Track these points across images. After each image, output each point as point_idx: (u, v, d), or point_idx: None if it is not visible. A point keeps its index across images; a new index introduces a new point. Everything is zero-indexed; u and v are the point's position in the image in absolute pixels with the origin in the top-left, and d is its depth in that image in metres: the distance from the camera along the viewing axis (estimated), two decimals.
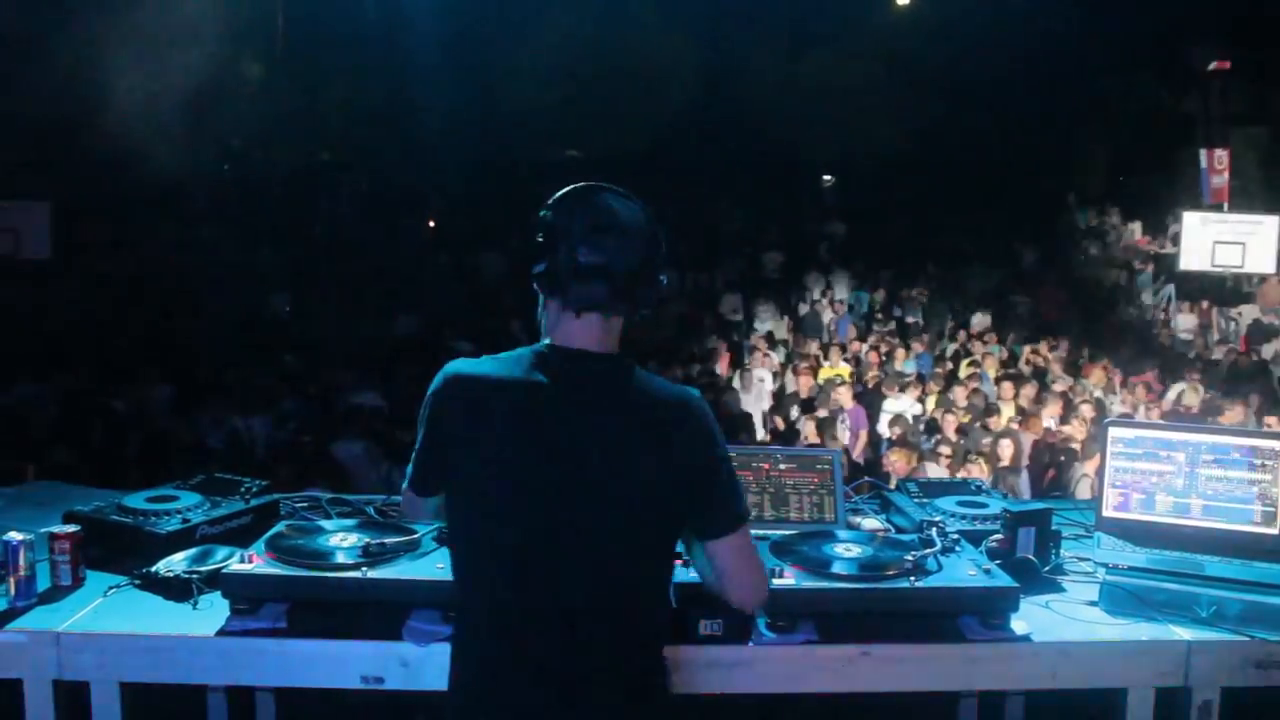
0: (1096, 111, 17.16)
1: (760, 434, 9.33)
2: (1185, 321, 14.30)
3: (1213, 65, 14.24)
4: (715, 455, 1.85)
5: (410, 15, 14.79)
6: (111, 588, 2.47)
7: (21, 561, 2.36)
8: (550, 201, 1.87)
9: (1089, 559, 2.74)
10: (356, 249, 16.91)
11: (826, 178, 21.67)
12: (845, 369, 11.75)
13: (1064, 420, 8.80)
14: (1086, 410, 8.76)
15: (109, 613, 2.36)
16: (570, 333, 1.85)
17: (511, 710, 1.81)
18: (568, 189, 1.87)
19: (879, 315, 15.51)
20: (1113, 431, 2.91)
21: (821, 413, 9.26)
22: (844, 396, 9.80)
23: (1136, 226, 17.10)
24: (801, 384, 10.91)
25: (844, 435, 9.00)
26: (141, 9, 13.83)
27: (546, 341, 1.87)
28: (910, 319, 15.40)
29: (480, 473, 1.81)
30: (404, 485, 1.99)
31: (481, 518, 1.83)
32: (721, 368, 12.27)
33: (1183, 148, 15.13)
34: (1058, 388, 10.00)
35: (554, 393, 1.80)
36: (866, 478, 3.34)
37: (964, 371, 11.59)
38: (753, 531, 2.66)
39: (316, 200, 18.22)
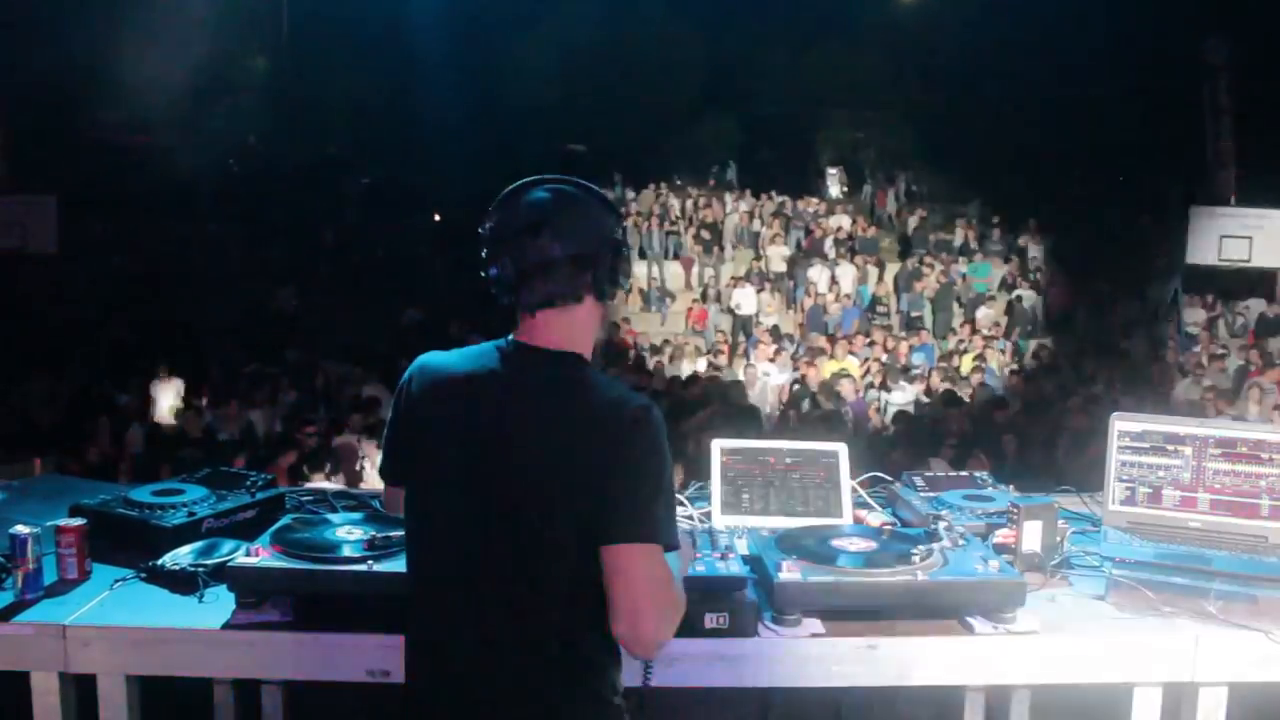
0: (1102, 103, 17.10)
1: (766, 428, 9.33)
2: (1191, 315, 14.26)
3: (1221, 58, 14.18)
4: (630, 465, 1.74)
5: (415, 11, 14.78)
6: (118, 581, 2.47)
7: (28, 555, 2.36)
8: (490, 209, 1.87)
9: (1096, 553, 2.73)
10: (362, 244, 16.93)
11: (831, 170, 21.64)
12: (851, 362, 11.75)
13: None
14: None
15: (115, 606, 2.36)
16: (528, 330, 1.86)
17: (451, 696, 1.83)
18: (502, 193, 1.87)
19: (883, 308, 15.51)
20: (1119, 425, 2.90)
21: (827, 406, 9.26)
22: (847, 390, 9.80)
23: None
24: (809, 377, 10.90)
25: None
26: (149, 6, 13.86)
27: (510, 337, 1.89)
28: (915, 312, 15.39)
29: (425, 459, 1.85)
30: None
31: (420, 501, 1.87)
32: (727, 361, 12.26)
33: (1190, 141, 15.08)
34: None
35: (501, 383, 1.82)
36: (872, 472, 3.32)
37: (967, 366, 11.58)
38: (762, 524, 2.67)
39: (322, 196, 18.23)
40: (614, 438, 1.74)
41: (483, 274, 1.87)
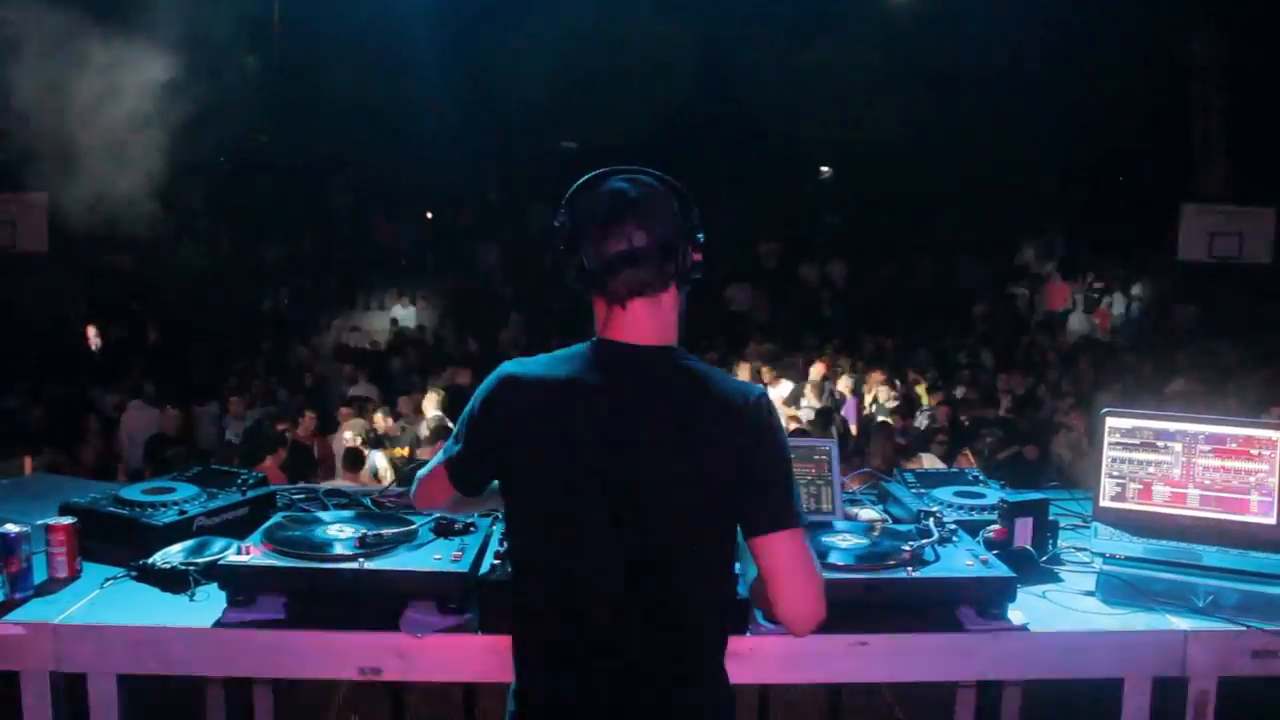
0: (1095, 102, 17.13)
1: None
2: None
3: (1211, 54, 14.23)
4: (767, 454, 1.79)
5: (407, 8, 14.75)
6: (108, 579, 2.46)
7: (18, 553, 2.35)
8: (563, 203, 1.86)
9: (1086, 549, 2.74)
10: (354, 242, 16.90)
11: (824, 169, 21.64)
12: (843, 360, 11.76)
13: None
14: None
15: (106, 605, 2.35)
16: (620, 325, 1.84)
17: (573, 702, 1.83)
18: (575, 185, 1.86)
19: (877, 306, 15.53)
20: (1110, 421, 2.91)
21: (819, 404, 9.27)
22: (844, 385, 9.82)
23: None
24: (802, 373, 10.91)
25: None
26: (141, 3, 13.78)
27: (595, 338, 1.87)
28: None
29: (534, 476, 1.81)
30: (423, 474, 2.01)
31: (538, 519, 1.83)
32: (715, 359, 12.26)
33: (1181, 139, 15.12)
34: None
35: (604, 391, 1.79)
36: (864, 468, 3.33)
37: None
38: None
39: (313, 193, 18.19)
40: (748, 429, 1.78)
41: (564, 270, 1.85)
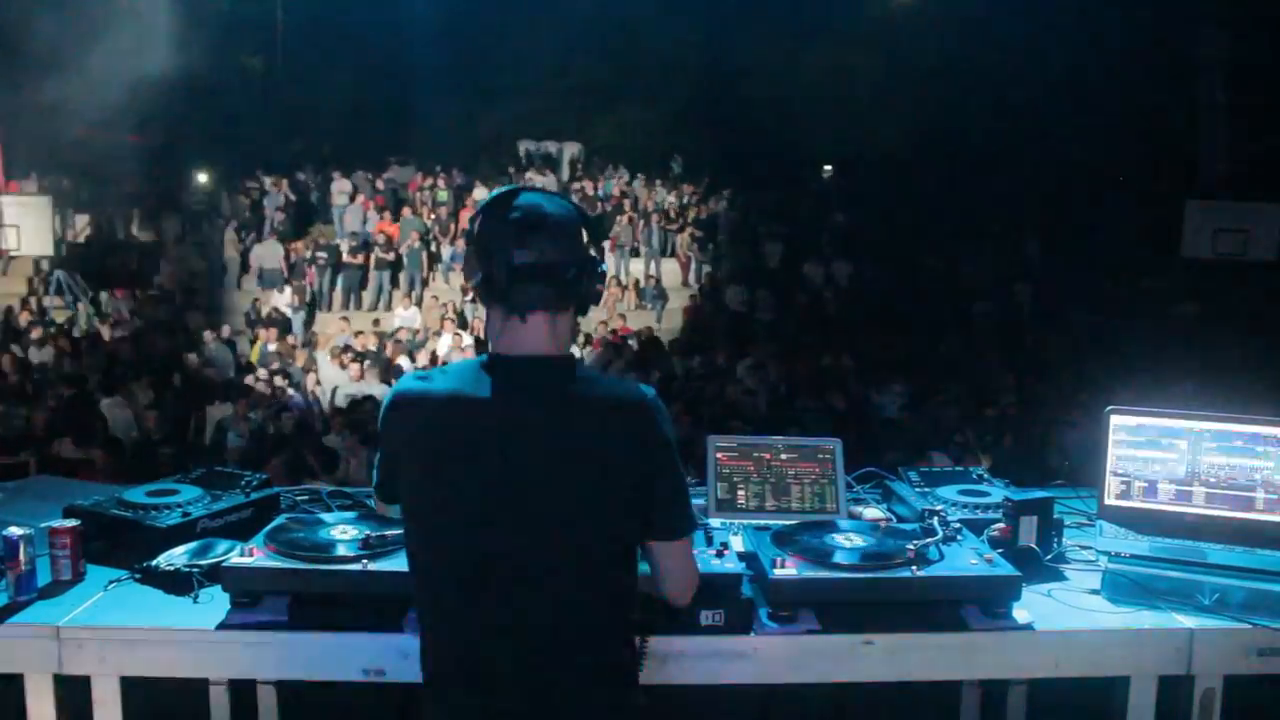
0: (1096, 100, 17.12)
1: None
2: None
3: (1215, 51, 14.20)
4: (662, 459, 1.82)
5: (410, 7, 14.77)
6: (112, 582, 2.46)
7: (22, 556, 2.35)
8: (477, 210, 1.86)
9: (1091, 547, 2.73)
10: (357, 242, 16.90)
11: (827, 168, 21.62)
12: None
13: None
14: None
15: (109, 607, 2.35)
16: (516, 338, 1.82)
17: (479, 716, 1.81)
18: (491, 195, 1.86)
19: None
20: (1115, 419, 2.90)
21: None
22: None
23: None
24: (801, 370, 10.92)
25: None
26: (144, 6, 13.82)
27: (489, 352, 1.86)
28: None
29: (428, 492, 1.80)
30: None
31: (433, 537, 1.81)
32: (722, 357, 12.26)
33: (1184, 136, 15.09)
34: None
35: (498, 405, 1.78)
36: (869, 467, 3.32)
37: None
38: (756, 521, 2.69)
39: (314, 194, 18.22)
40: (644, 436, 1.80)
41: (467, 276, 1.87)
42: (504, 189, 1.86)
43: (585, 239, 1.86)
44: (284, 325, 13.98)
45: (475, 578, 1.78)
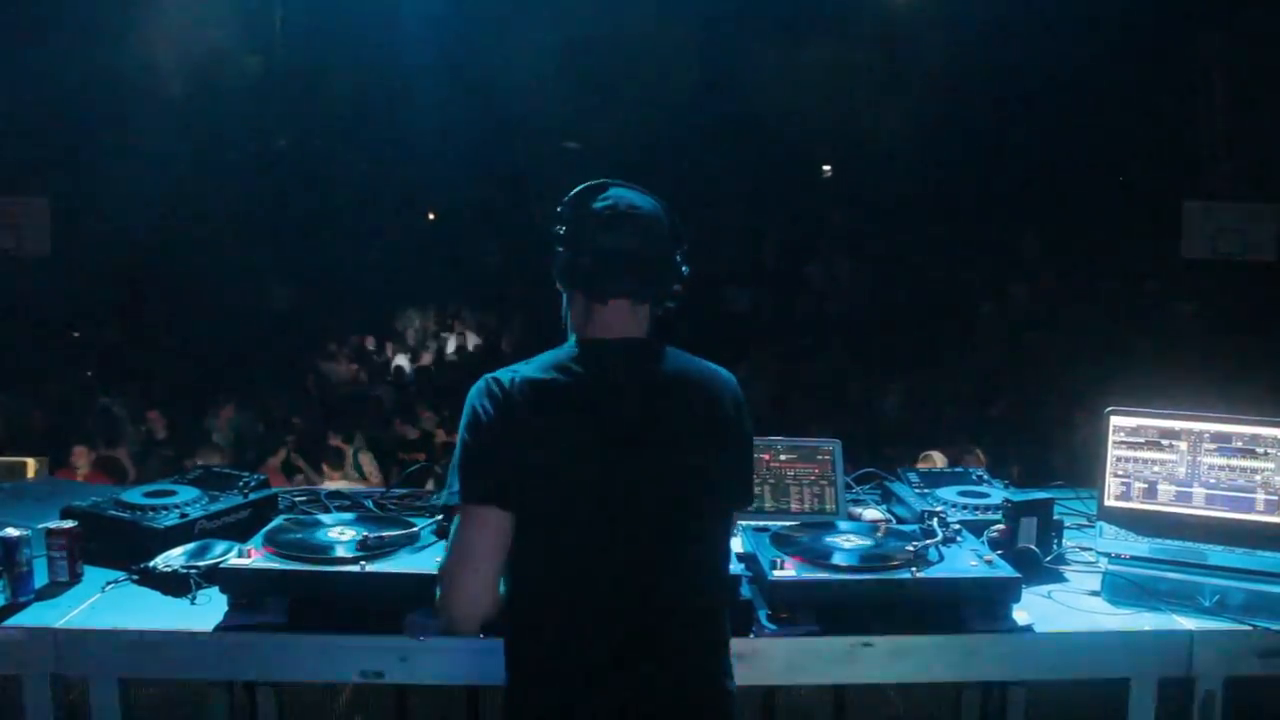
0: (1096, 100, 17.12)
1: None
2: None
3: (1215, 51, 14.21)
4: (750, 431, 1.94)
5: (408, 10, 14.76)
6: (109, 583, 2.46)
7: (19, 557, 2.35)
8: (566, 199, 1.90)
9: (1091, 549, 2.73)
10: (356, 243, 16.90)
11: (826, 168, 21.61)
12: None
13: None
14: None
15: (107, 608, 2.34)
16: (600, 323, 1.87)
17: (590, 705, 1.80)
18: (580, 186, 1.90)
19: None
20: (1114, 420, 2.90)
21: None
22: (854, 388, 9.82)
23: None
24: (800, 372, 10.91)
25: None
26: (141, 4, 13.81)
27: (574, 340, 1.89)
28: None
29: (537, 482, 1.77)
30: (454, 560, 1.79)
31: (547, 526, 1.79)
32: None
33: (1185, 135, 15.09)
34: None
35: (597, 387, 1.82)
36: (868, 468, 3.32)
37: None
38: (755, 522, 2.71)
39: (315, 194, 18.20)
40: (738, 408, 1.90)
41: (555, 263, 1.89)
42: (593, 182, 1.90)
43: (671, 236, 1.90)
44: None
45: (597, 564, 1.79)
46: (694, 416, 1.85)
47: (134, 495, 2.80)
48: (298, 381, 10.89)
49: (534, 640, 1.84)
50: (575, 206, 1.89)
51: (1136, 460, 2.86)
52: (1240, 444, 2.78)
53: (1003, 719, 3.20)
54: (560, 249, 1.89)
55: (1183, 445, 2.82)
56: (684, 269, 1.93)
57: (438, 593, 1.83)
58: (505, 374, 1.83)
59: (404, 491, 3.21)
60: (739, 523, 2.74)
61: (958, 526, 2.51)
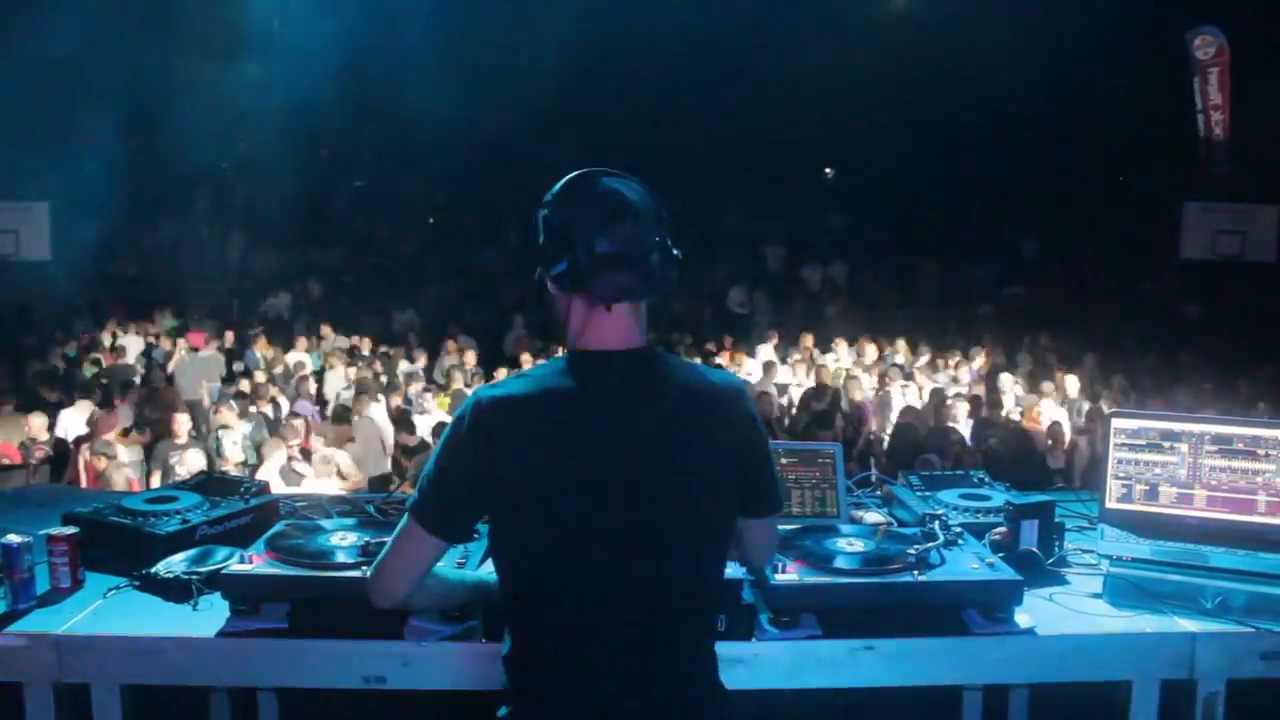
0: (1095, 102, 17.12)
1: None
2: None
3: (1212, 53, 14.21)
4: (762, 439, 1.89)
5: (408, 12, 14.77)
6: (111, 589, 2.46)
7: (20, 564, 2.35)
8: (551, 197, 1.78)
9: (1092, 551, 2.73)
10: (356, 246, 16.92)
11: (827, 170, 21.62)
12: (848, 361, 11.74)
13: None
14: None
15: (109, 615, 2.35)
16: (602, 330, 1.78)
17: (588, 713, 1.79)
18: (566, 180, 1.79)
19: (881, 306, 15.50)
20: (1115, 422, 2.89)
21: (819, 405, 9.26)
22: (854, 389, 9.81)
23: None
24: (802, 377, 10.91)
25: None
26: (141, 9, 13.82)
27: (575, 349, 1.80)
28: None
29: (537, 494, 1.73)
30: (385, 557, 1.85)
31: (545, 537, 1.74)
32: (724, 360, 12.25)
33: (1182, 137, 15.09)
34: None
35: (599, 398, 1.75)
36: (868, 471, 3.32)
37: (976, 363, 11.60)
38: None
39: (315, 198, 18.20)
40: (744, 420, 1.85)
41: (548, 264, 1.77)
42: (579, 173, 1.80)
43: (661, 223, 1.81)
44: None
45: (589, 575, 1.75)
46: (698, 432, 1.78)
47: (135, 501, 2.80)
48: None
49: (534, 661, 1.82)
50: (565, 202, 1.76)
51: (1137, 462, 2.85)
52: (1241, 445, 2.78)
53: None
54: (550, 250, 1.76)
55: (1184, 447, 2.82)
56: (677, 256, 1.81)
57: (368, 570, 1.90)
58: (494, 390, 1.76)
59: (405, 497, 3.20)
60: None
61: (959, 529, 2.51)
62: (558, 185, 1.79)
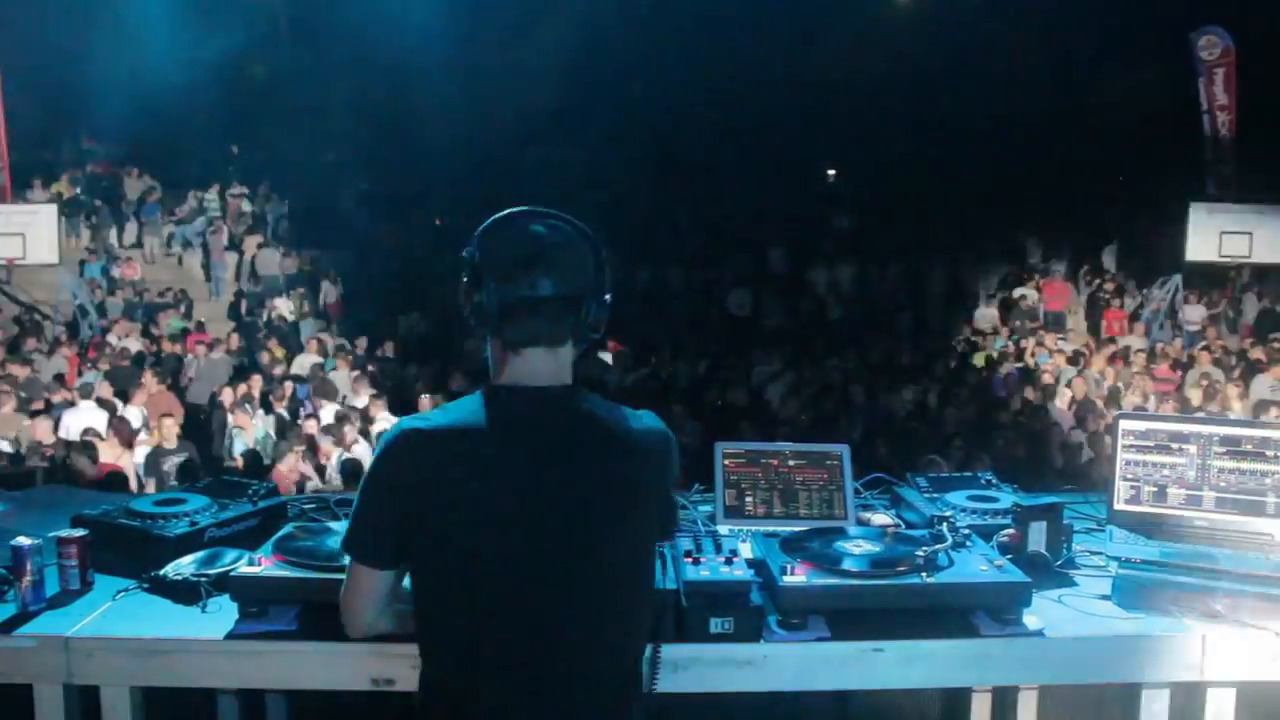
0: (1100, 104, 17.10)
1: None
2: (1192, 313, 14.26)
3: (1218, 54, 14.19)
4: (672, 481, 1.90)
5: (413, 13, 14.79)
6: (120, 591, 2.46)
7: (30, 566, 2.35)
8: (476, 234, 1.78)
9: (1101, 553, 2.72)
10: (362, 249, 16.94)
11: (830, 171, 21.62)
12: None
13: None
14: None
15: (118, 616, 2.35)
16: (516, 370, 1.77)
17: None
18: (491, 219, 1.79)
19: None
20: (1124, 424, 2.89)
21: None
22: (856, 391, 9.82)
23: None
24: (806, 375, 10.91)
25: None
26: (147, 8, 13.87)
27: (490, 385, 1.80)
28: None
29: (442, 526, 1.71)
30: (345, 593, 1.89)
31: (457, 574, 1.73)
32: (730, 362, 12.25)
33: (1188, 138, 15.07)
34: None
35: (513, 438, 1.73)
36: (876, 473, 3.32)
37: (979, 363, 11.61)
38: (764, 528, 2.71)
39: (321, 200, 18.24)
40: (666, 464, 1.85)
41: (463, 305, 1.79)
42: (502, 214, 1.79)
43: (590, 265, 1.78)
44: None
45: (506, 607, 1.73)
46: (608, 473, 1.75)
47: (144, 504, 2.80)
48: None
49: (439, 694, 1.82)
50: (481, 245, 1.76)
51: (1146, 464, 2.85)
52: (1250, 447, 2.77)
53: None
54: (465, 290, 1.77)
55: (1192, 448, 2.82)
56: (607, 301, 1.79)
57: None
58: (415, 423, 1.76)
59: None
60: (749, 528, 2.75)
61: (967, 531, 2.50)
62: (486, 222, 1.79)
